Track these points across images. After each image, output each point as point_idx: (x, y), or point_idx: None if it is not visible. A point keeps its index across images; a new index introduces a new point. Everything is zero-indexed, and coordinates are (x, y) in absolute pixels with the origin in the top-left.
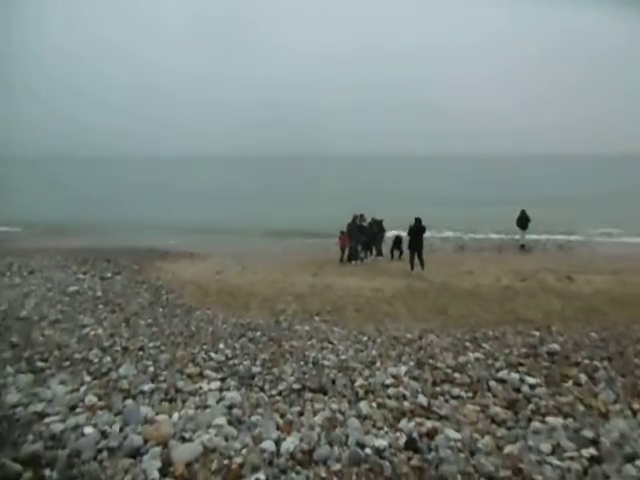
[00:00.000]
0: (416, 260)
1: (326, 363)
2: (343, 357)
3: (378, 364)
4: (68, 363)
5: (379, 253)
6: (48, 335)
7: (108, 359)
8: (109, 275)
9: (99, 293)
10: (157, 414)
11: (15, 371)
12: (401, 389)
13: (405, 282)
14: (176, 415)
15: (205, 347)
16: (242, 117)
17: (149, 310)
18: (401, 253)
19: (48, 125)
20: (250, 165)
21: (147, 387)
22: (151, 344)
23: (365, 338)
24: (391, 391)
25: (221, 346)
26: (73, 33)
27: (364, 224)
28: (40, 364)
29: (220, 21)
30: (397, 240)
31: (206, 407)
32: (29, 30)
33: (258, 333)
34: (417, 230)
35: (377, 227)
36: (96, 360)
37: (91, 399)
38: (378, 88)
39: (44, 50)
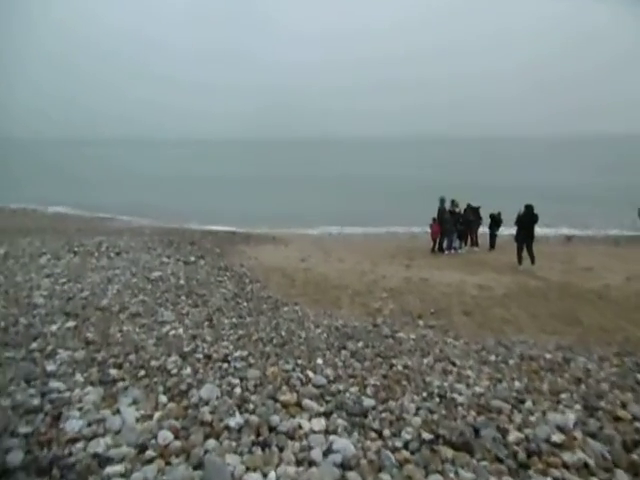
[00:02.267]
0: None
1: (458, 398)
2: (477, 389)
3: (529, 403)
4: (143, 373)
5: (474, 243)
6: (126, 333)
7: (188, 371)
8: (192, 259)
9: (182, 281)
10: (247, 470)
11: (84, 381)
12: (580, 453)
13: (514, 279)
14: (272, 475)
15: (300, 362)
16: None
17: (233, 305)
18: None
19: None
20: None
21: (234, 421)
22: (237, 353)
23: (492, 357)
24: (566, 456)
25: (319, 362)
26: (75, 13)
27: (457, 210)
28: (113, 372)
29: (218, 4)
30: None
31: (311, 463)
32: (31, 9)
33: (360, 344)
34: (528, 219)
35: (473, 214)
36: (175, 371)
37: (166, 436)
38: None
39: (45, 30)
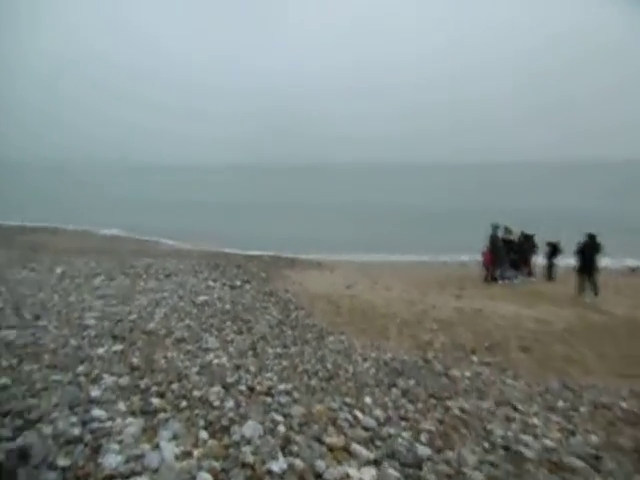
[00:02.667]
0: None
1: (525, 452)
2: (547, 442)
3: (609, 463)
4: (185, 404)
5: (530, 273)
6: (170, 359)
7: (231, 403)
8: (238, 284)
9: (227, 306)
10: None
11: (126, 410)
12: None
13: (575, 312)
14: None
15: (347, 400)
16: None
17: (277, 332)
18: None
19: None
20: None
21: (277, 466)
22: (281, 386)
23: (560, 403)
24: None
25: (367, 400)
26: (64, 39)
27: (511, 238)
28: (155, 401)
29: (216, 22)
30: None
31: None
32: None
33: (411, 381)
34: (590, 248)
35: (527, 243)
36: (217, 403)
37: (205, 478)
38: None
39: (43, 29)
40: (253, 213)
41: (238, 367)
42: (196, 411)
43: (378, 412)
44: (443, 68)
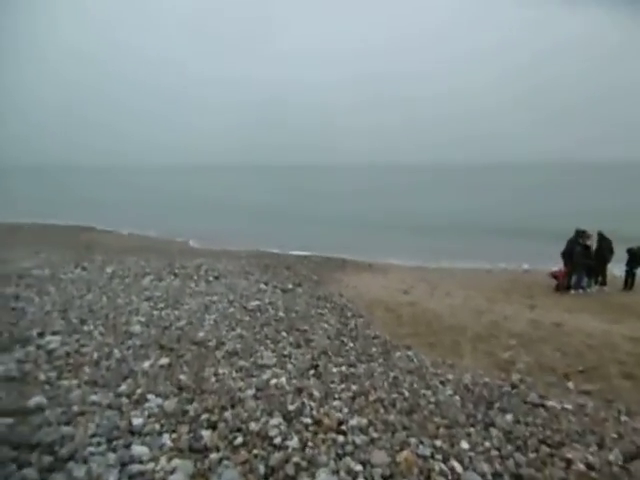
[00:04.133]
0: None
1: None
2: None
3: None
4: (241, 440)
5: (603, 282)
6: (222, 377)
7: (295, 442)
8: (290, 287)
9: (281, 313)
10: None
11: (173, 446)
12: None
13: None
14: None
15: (439, 444)
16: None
17: (338, 345)
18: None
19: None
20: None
21: None
22: (354, 421)
23: None
24: None
25: (464, 446)
26: (76, 29)
27: (588, 243)
28: (206, 434)
29: (220, 22)
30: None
31: None
32: (37, 28)
33: (509, 417)
34: None
35: (605, 247)
36: (278, 440)
37: None
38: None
39: (50, 47)
40: (288, 213)
41: (300, 391)
42: (255, 451)
43: (483, 465)
44: (444, 80)
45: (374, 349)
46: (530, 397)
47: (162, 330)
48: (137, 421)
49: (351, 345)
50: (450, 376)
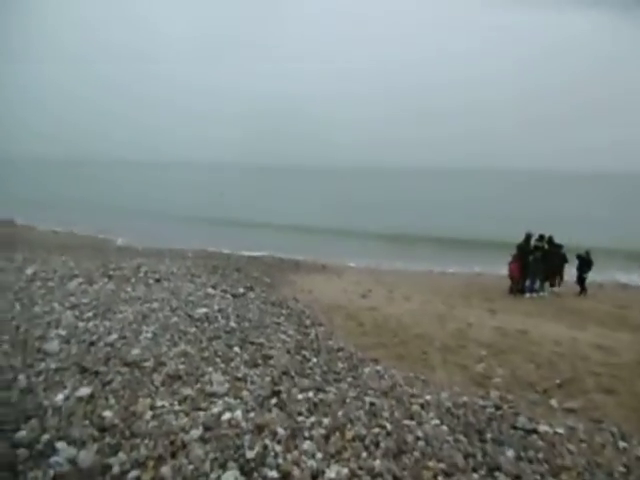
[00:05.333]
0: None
1: None
2: None
3: None
4: None
5: (553, 284)
6: (159, 412)
7: None
8: (241, 291)
9: (232, 322)
10: None
11: None
12: None
13: (635, 337)
14: None
15: None
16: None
17: (300, 361)
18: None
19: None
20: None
21: None
22: (331, 471)
23: None
24: None
25: None
26: (75, 36)
27: (544, 246)
28: None
29: (221, 32)
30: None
31: None
32: (31, 33)
33: (510, 453)
34: None
35: (557, 252)
36: None
37: None
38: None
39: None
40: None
41: (260, 428)
42: None
43: None
44: (443, 75)
45: (340, 364)
46: (519, 422)
47: (86, 347)
48: None
49: (314, 361)
50: (428, 396)
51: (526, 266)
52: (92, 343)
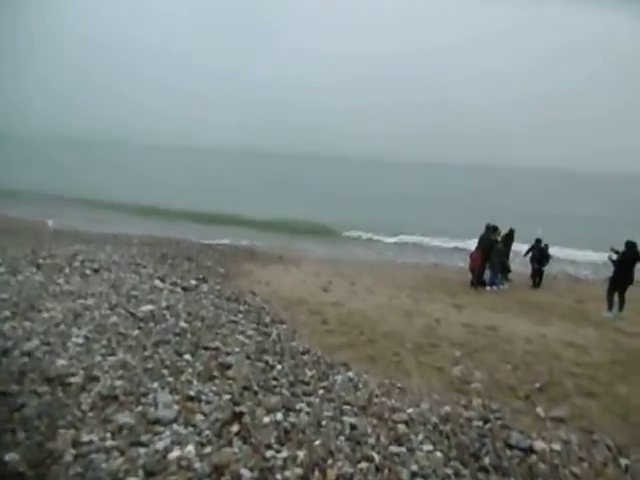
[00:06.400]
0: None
1: None
2: None
3: None
4: None
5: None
6: (87, 449)
7: None
8: (193, 283)
9: (183, 323)
10: None
11: None
12: None
13: (602, 334)
14: None
15: None
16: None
17: (262, 369)
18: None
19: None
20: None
21: None
22: None
23: None
24: None
25: None
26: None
27: (499, 239)
28: None
29: (232, 19)
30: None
31: None
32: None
33: None
34: (628, 258)
35: (509, 243)
36: None
37: None
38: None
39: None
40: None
41: (219, 471)
42: None
43: None
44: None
45: (308, 372)
46: (513, 438)
47: None
48: None
49: (279, 368)
50: (410, 409)
51: (487, 258)
52: (5, 352)
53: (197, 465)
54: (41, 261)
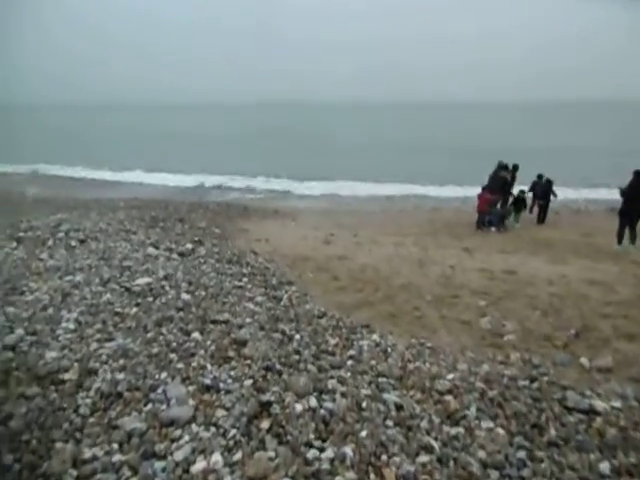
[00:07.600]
0: None
1: None
2: None
3: None
4: None
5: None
6: (86, 474)
7: None
8: (189, 247)
9: (185, 295)
10: None
11: None
12: None
13: (620, 268)
14: None
15: None
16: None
17: (281, 343)
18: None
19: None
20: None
21: None
22: None
23: None
24: None
25: None
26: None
27: (508, 177)
28: None
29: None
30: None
31: None
32: None
33: (602, 464)
34: (636, 189)
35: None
36: None
37: None
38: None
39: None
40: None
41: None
42: None
43: None
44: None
45: (330, 339)
46: (569, 399)
47: None
48: None
49: (297, 338)
50: (450, 375)
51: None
52: None
53: (229, 479)
54: (21, 234)
